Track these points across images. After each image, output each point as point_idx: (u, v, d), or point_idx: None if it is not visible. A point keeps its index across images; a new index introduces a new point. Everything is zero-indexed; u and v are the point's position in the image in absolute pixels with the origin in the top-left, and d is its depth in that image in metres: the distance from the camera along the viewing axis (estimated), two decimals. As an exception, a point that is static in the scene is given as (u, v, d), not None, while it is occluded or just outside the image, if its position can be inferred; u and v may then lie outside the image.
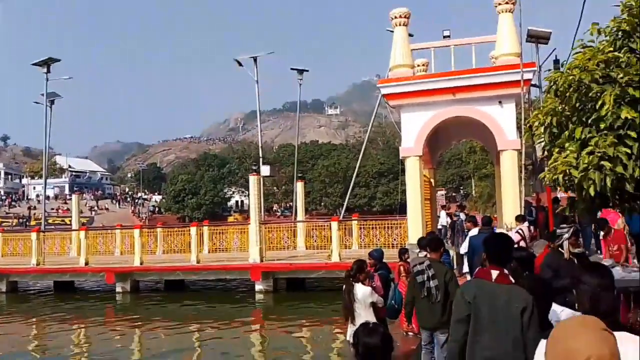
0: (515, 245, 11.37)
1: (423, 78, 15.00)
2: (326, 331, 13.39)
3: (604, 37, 4.53)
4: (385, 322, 6.83)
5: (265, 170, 22.24)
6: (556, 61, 12.72)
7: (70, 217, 32.87)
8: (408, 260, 8.74)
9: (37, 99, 37.01)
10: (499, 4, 14.11)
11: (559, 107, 4.53)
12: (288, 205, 70.85)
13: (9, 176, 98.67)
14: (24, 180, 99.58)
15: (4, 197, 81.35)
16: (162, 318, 16.05)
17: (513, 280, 3.72)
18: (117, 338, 13.85)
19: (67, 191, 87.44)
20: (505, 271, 3.71)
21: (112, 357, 11.93)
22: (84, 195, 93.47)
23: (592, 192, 4.02)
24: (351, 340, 3.70)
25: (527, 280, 3.88)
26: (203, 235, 21.85)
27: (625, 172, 3.83)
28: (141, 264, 19.74)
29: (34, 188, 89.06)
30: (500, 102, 13.92)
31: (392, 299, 7.69)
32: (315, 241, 20.46)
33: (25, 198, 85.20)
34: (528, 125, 5.29)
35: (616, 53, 4.11)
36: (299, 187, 25.83)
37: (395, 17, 14.82)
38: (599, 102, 3.97)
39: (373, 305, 6.57)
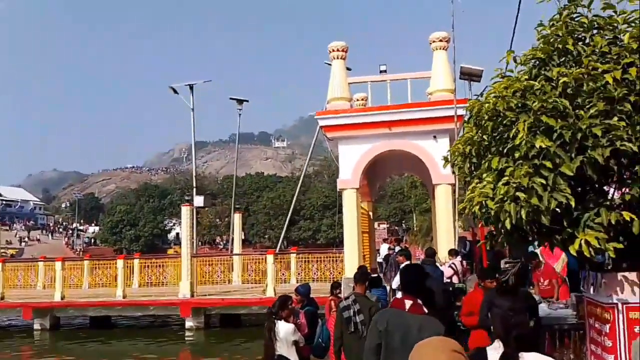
0: (447, 280, 11.25)
1: (360, 111, 15.00)
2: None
3: (521, 66, 4.45)
4: (310, 362, 6.47)
5: (199, 200, 21.45)
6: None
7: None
8: (339, 295, 8.44)
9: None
10: (434, 41, 14.42)
11: (477, 137, 4.36)
12: (231, 237, 69.49)
13: None
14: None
15: None
16: (77, 357, 15.02)
17: (426, 310, 3.75)
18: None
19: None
20: (419, 301, 3.74)
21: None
22: (15, 225, 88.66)
23: (508, 225, 3.81)
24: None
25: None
26: (133, 268, 20.81)
27: (541, 203, 3.64)
28: (62, 298, 18.48)
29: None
30: (435, 136, 14.06)
31: (319, 337, 7.31)
32: (251, 275, 19.80)
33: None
34: (445, 155, 5.10)
35: (531, 81, 3.98)
36: (237, 218, 25.24)
37: (333, 50, 14.91)
38: (513, 131, 3.81)
39: (295, 343, 6.22)
